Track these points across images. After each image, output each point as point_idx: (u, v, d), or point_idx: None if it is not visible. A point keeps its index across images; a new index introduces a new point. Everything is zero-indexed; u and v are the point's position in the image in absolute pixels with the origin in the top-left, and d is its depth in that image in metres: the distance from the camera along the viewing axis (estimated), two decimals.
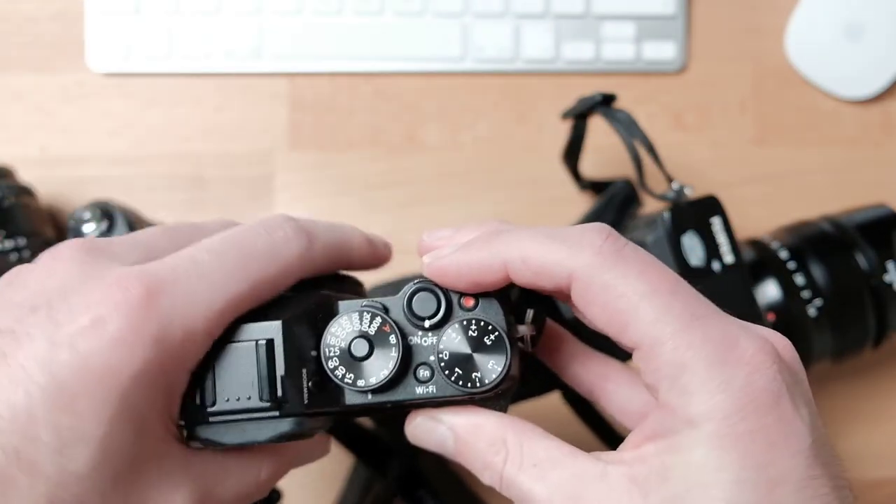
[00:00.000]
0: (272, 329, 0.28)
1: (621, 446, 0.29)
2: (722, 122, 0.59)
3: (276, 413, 0.27)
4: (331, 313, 0.29)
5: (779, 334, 0.29)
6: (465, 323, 0.29)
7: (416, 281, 0.30)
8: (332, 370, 0.28)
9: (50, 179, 0.57)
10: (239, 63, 0.58)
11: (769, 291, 0.48)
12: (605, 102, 0.49)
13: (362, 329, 0.29)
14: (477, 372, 0.28)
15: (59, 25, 0.58)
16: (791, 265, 0.49)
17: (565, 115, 0.52)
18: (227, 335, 0.28)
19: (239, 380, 0.27)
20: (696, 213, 0.46)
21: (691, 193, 0.48)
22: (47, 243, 0.51)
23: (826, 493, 0.26)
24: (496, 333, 0.29)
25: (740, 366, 0.26)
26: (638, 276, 0.28)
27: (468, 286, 0.30)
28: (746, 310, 0.45)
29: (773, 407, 0.26)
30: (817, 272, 0.48)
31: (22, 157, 0.56)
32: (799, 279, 0.48)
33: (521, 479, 0.28)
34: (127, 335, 0.25)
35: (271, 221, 0.30)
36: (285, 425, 0.28)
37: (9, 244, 0.48)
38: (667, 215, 0.46)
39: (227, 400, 0.27)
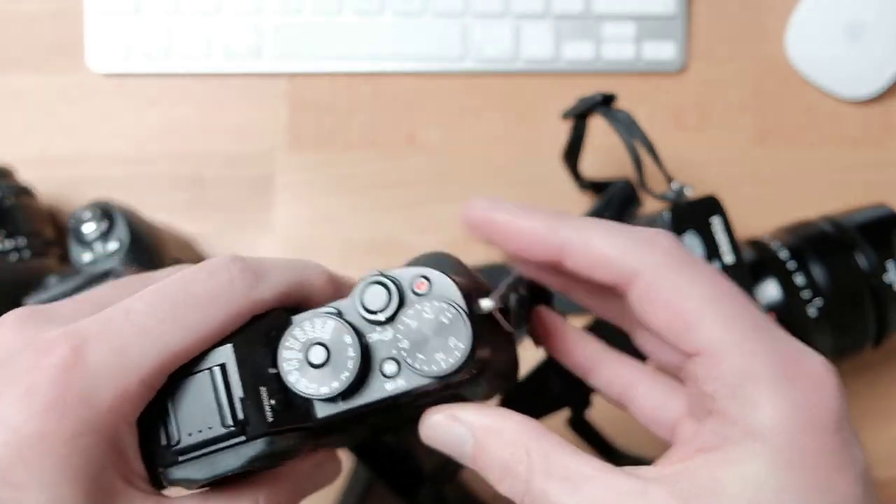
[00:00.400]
0: (223, 353, 0.27)
1: (660, 460, 0.27)
2: (722, 122, 0.59)
3: (242, 437, 0.26)
4: (285, 328, 0.28)
5: (820, 356, 0.28)
6: (418, 307, 0.28)
7: (366, 278, 0.28)
8: (294, 383, 0.28)
9: (50, 179, 0.57)
10: (239, 63, 0.58)
11: (769, 291, 0.48)
12: (605, 102, 0.49)
13: (316, 336, 0.28)
14: (440, 353, 0.27)
15: (59, 26, 0.58)
16: (791, 265, 0.49)
17: (565, 115, 0.52)
18: (179, 371, 0.27)
19: (199, 411, 0.27)
20: (696, 213, 0.46)
21: (691, 193, 0.48)
22: (47, 243, 0.51)
23: None
24: (451, 311, 0.27)
25: (808, 383, 0.25)
26: (706, 281, 0.27)
27: (510, 248, 0.29)
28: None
29: (838, 429, 0.25)
30: (817, 272, 0.48)
31: (22, 157, 0.56)
32: (799, 279, 0.48)
33: (551, 491, 0.26)
34: (55, 399, 0.24)
35: (215, 263, 0.28)
36: (253, 448, 0.27)
37: (9, 244, 0.48)
38: (667, 215, 0.46)
39: (191, 434, 0.26)
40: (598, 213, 0.53)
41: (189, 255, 0.54)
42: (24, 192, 0.51)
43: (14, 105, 0.58)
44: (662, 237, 0.28)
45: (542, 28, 0.58)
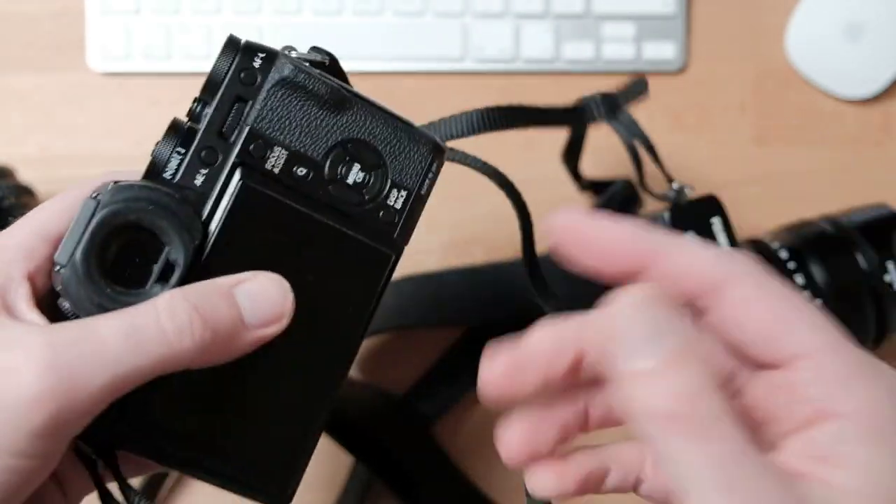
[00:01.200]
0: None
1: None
2: (722, 122, 0.59)
3: None
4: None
5: None
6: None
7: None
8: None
9: (50, 179, 0.57)
10: None
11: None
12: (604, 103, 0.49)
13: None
14: None
15: (60, 25, 0.58)
16: (791, 265, 0.49)
17: None
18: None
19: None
20: (697, 213, 0.47)
21: (691, 193, 0.48)
22: None
23: None
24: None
25: (892, 377, 0.26)
26: (790, 293, 0.27)
27: (593, 261, 0.28)
28: None
29: None
30: (817, 272, 0.48)
31: (22, 156, 0.56)
32: (799, 279, 0.48)
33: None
34: None
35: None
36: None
37: None
38: (667, 215, 0.46)
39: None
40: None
41: None
42: (24, 191, 0.51)
43: (14, 105, 0.58)
44: (744, 254, 0.28)
45: (542, 28, 0.58)
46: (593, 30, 0.58)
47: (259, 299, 0.30)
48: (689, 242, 0.28)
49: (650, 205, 0.53)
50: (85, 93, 0.58)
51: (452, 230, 0.58)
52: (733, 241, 0.46)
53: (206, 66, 0.31)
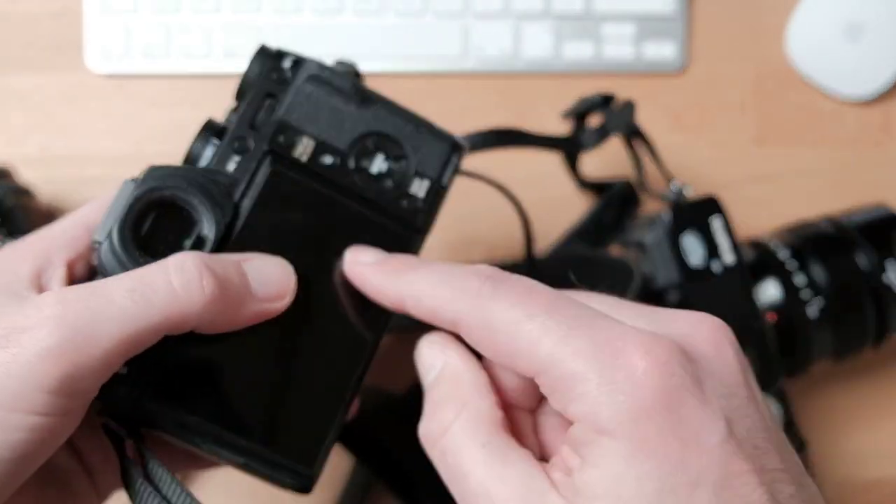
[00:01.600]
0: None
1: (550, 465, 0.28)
2: (722, 123, 0.59)
3: None
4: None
5: (703, 320, 0.28)
6: None
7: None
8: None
9: (50, 180, 0.57)
10: (239, 63, 0.57)
11: (769, 291, 0.48)
12: (604, 103, 0.49)
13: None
14: None
15: (59, 25, 0.58)
16: (791, 265, 0.49)
17: (565, 115, 0.52)
18: None
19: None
20: (696, 213, 0.47)
21: (691, 193, 0.48)
22: None
23: (751, 490, 0.25)
24: None
25: (631, 367, 0.26)
26: (511, 307, 0.28)
27: (365, 290, 0.33)
28: (746, 310, 0.45)
29: (677, 404, 0.25)
30: (817, 272, 0.48)
31: (22, 157, 0.56)
32: (799, 279, 0.48)
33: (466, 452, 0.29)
34: None
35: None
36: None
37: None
38: (666, 215, 0.46)
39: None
40: (598, 213, 0.53)
41: None
42: (23, 192, 0.51)
43: (14, 105, 0.58)
44: (470, 278, 0.30)
45: (542, 28, 0.58)
46: (593, 30, 0.58)
47: (265, 273, 0.32)
48: (427, 282, 0.31)
49: (649, 204, 0.53)
50: (84, 93, 0.58)
51: (453, 230, 0.58)
52: (733, 241, 0.46)
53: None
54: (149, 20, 0.57)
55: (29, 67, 0.58)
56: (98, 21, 0.57)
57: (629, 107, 0.49)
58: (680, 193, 0.48)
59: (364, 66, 0.59)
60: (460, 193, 0.59)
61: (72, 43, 0.58)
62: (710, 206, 0.47)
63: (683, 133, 0.59)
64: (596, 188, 0.56)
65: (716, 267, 0.46)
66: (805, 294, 0.48)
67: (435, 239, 0.59)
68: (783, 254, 0.49)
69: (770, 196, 0.59)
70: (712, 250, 0.46)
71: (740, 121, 0.59)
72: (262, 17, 0.57)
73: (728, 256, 0.46)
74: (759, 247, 0.50)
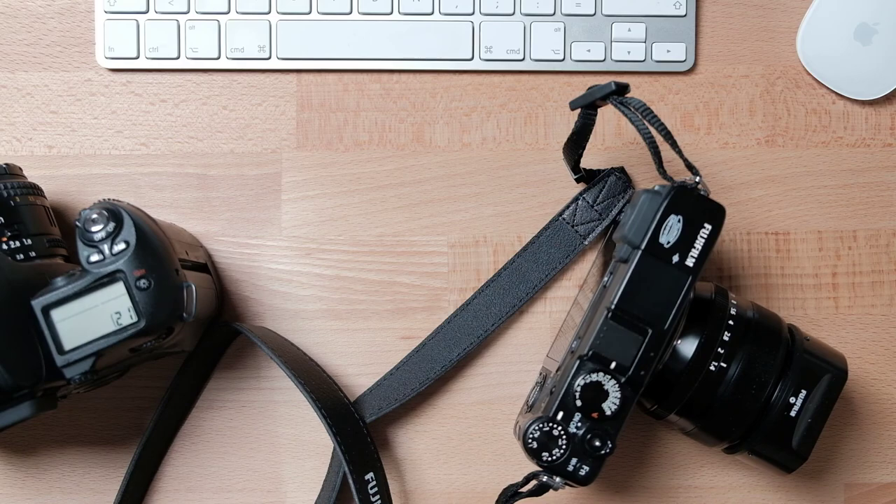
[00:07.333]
0: None
1: None
2: (732, 123, 0.59)
3: None
4: None
5: None
6: None
7: None
8: None
9: (57, 178, 0.57)
10: (247, 61, 0.57)
11: (686, 348, 0.48)
12: (618, 92, 0.48)
13: None
14: None
15: (68, 23, 0.58)
16: (727, 335, 0.48)
17: (574, 104, 0.51)
18: None
19: None
20: (699, 207, 0.46)
21: (705, 194, 0.48)
22: (54, 243, 0.51)
23: None
24: None
25: None
26: None
27: None
28: (662, 310, 0.46)
29: None
30: (739, 358, 0.48)
31: (29, 155, 0.56)
32: (716, 361, 0.48)
33: None
34: None
35: None
36: None
37: (16, 244, 0.48)
38: (676, 189, 0.46)
39: None
40: (592, 198, 0.55)
41: (196, 254, 0.54)
42: (31, 190, 0.51)
43: (22, 102, 0.57)
44: None
45: (551, 28, 0.58)
46: (603, 30, 0.58)
47: None
48: None
49: None
50: (92, 91, 0.58)
51: (462, 229, 0.58)
52: (704, 256, 0.46)
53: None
54: (158, 18, 0.57)
55: (37, 65, 0.58)
56: (107, 18, 0.57)
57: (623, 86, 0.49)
58: (697, 185, 0.48)
59: (372, 65, 0.59)
60: (467, 194, 0.59)
61: (80, 40, 0.58)
62: (714, 211, 0.46)
63: (692, 133, 0.59)
64: (589, 177, 0.57)
65: (675, 259, 0.46)
66: (712, 367, 0.48)
67: (444, 238, 0.59)
68: (731, 314, 0.49)
69: (779, 196, 0.58)
70: (684, 245, 0.46)
71: (750, 121, 0.59)
72: (271, 15, 0.57)
73: (690, 261, 0.46)
74: (721, 296, 0.50)
